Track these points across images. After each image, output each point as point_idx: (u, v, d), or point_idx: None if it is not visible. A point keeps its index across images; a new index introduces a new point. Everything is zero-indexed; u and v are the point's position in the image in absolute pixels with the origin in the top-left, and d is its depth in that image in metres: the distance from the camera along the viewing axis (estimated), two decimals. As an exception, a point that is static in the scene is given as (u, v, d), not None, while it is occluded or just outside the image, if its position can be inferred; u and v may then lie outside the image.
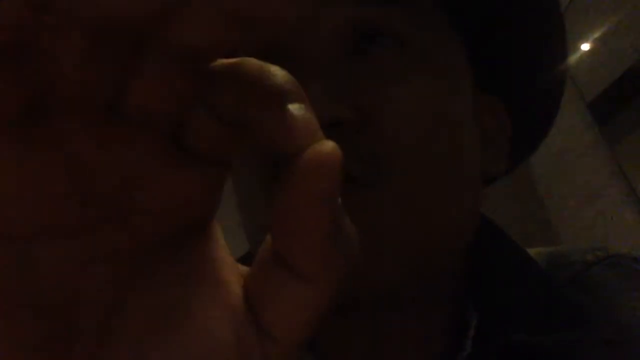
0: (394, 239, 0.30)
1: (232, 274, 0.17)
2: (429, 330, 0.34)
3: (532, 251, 0.40)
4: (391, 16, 0.34)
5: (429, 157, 0.31)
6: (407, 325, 0.33)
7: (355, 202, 0.29)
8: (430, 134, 0.32)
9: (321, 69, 0.31)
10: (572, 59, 1.31)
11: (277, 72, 0.15)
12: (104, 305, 0.15)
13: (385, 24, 0.33)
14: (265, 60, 0.15)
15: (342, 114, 0.30)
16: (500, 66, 0.40)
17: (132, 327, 0.15)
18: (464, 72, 0.37)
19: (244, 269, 0.17)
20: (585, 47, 1.31)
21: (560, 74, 0.42)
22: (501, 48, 0.39)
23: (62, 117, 0.13)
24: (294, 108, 0.14)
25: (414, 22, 0.34)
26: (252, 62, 0.15)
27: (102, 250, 0.14)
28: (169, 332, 0.15)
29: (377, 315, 0.32)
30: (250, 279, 0.17)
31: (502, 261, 0.36)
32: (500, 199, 1.23)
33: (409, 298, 0.32)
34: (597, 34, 1.29)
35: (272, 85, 0.14)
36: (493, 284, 0.35)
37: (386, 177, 0.30)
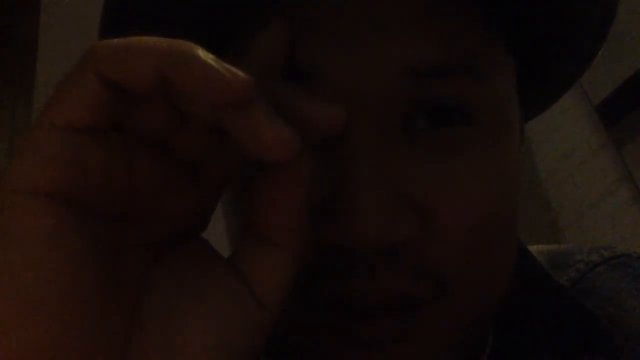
0: (453, 342, 0.28)
1: (228, 267, 0.22)
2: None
3: (534, 249, 0.39)
4: (461, 89, 0.26)
5: (493, 256, 0.28)
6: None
7: (419, 321, 0.26)
8: (501, 231, 0.28)
9: (370, 156, 0.25)
10: (579, 61, 1.31)
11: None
12: (137, 277, 0.21)
13: (448, 93, 0.26)
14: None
15: (406, 232, 0.25)
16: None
17: (158, 296, 0.21)
18: (521, 123, 0.32)
19: None
20: (593, 50, 1.31)
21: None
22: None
23: (130, 139, 0.20)
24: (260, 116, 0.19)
25: (483, 87, 0.27)
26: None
27: (135, 238, 0.21)
28: (188, 305, 0.21)
29: None
30: (236, 263, 0.22)
31: (522, 278, 0.34)
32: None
33: None
34: (604, 37, 1.28)
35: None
36: (510, 301, 0.32)
37: (450, 291, 0.26)
